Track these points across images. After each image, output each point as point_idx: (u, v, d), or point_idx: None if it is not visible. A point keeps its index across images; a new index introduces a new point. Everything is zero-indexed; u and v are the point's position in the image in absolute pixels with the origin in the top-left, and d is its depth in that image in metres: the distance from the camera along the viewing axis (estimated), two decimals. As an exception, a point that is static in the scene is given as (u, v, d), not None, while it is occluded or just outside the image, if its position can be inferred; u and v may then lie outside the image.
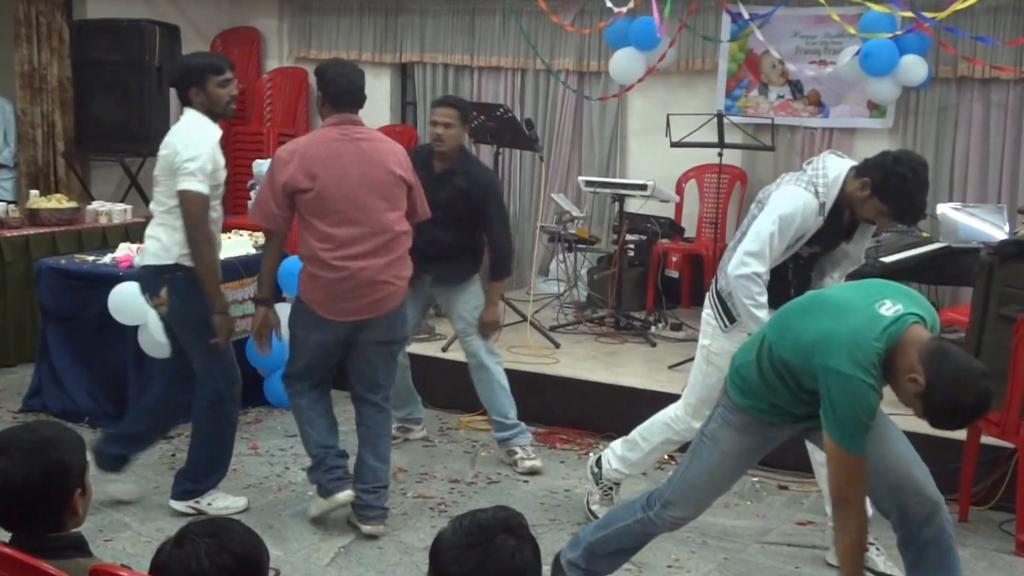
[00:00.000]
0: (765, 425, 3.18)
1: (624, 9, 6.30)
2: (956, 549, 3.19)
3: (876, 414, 2.91)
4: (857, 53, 6.06)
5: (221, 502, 4.24)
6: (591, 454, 4.49)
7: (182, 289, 4.03)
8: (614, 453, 4.21)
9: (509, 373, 5.46)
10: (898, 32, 5.83)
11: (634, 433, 4.16)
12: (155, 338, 4.58)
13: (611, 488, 4.24)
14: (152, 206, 4.13)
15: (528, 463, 4.81)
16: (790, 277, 3.80)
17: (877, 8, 5.73)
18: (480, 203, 4.72)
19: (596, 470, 4.27)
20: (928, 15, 5.67)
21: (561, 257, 6.85)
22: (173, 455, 4.90)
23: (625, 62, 6.55)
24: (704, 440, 3.24)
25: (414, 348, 5.81)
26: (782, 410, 3.12)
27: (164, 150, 4.02)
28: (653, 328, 6.31)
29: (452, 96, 5.61)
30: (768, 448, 3.33)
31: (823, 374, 2.84)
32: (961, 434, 4.42)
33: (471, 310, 4.82)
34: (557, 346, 5.94)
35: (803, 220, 3.63)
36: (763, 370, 3.08)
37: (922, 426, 4.75)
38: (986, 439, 4.34)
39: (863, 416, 2.85)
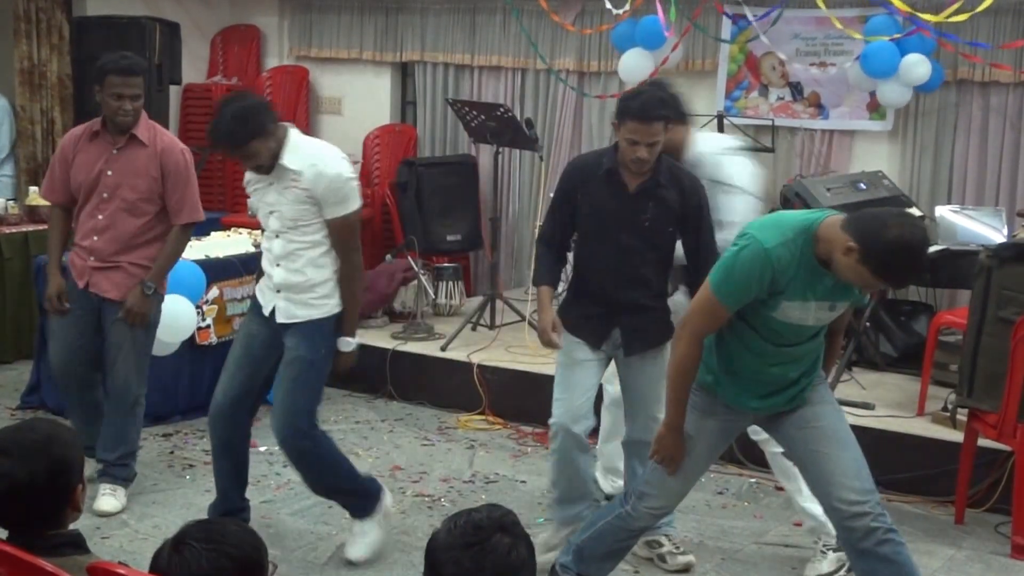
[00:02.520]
0: (725, 407, 3.20)
1: (623, 11, 6.30)
2: (904, 555, 3.11)
3: (756, 287, 2.95)
4: (857, 58, 6.06)
5: None
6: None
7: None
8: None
9: (507, 372, 5.47)
10: (897, 36, 5.83)
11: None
12: (160, 338, 4.58)
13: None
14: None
15: (681, 559, 3.96)
16: None
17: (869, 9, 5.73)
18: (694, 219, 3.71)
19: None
20: (927, 18, 5.67)
21: (560, 257, 6.85)
22: (171, 452, 4.90)
23: (634, 62, 6.55)
24: None
25: (412, 347, 5.83)
26: (743, 386, 3.14)
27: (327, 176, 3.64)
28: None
29: (653, 101, 3.59)
30: (732, 434, 3.41)
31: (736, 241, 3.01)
32: (958, 437, 4.43)
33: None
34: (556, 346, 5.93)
35: None
36: (722, 334, 3.11)
37: (919, 429, 4.78)
38: (983, 441, 4.35)
39: (745, 275, 2.94)
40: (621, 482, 4.10)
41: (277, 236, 3.72)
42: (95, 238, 4.18)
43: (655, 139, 3.54)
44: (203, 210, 4.40)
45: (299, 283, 3.72)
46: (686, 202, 3.67)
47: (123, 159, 4.17)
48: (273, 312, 3.76)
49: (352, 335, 3.80)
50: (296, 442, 3.79)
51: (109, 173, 4.17)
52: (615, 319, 3.72)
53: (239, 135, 3.56)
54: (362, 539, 3.88)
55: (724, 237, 3.65)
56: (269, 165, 3.64)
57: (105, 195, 4.17)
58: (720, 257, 3.12)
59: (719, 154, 4.04)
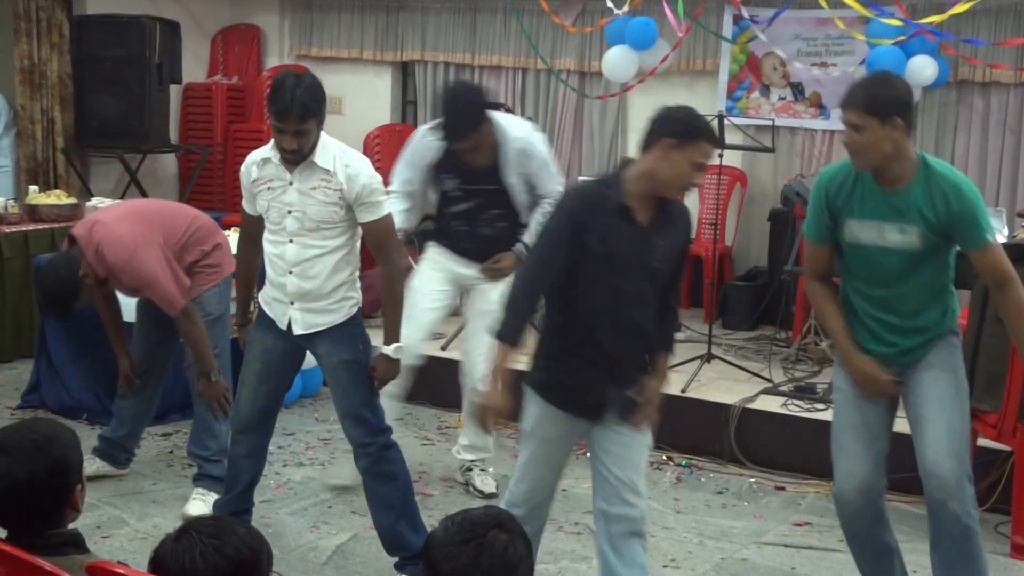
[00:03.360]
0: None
1: (624, 9, 6.30)
2: (975, 548, 3.16)
3: (821, 210, 3.20)
4: (863, 62, 6.05)
5: None
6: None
7: None
8: None
9: (508, 372, 5.44)
10: (901, 39, 5.82)
11: None
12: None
13: None
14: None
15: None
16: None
17: (865, 12, 5.72)
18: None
19: None
20: (926, 21, 5.67)
21: (560, 256, 6.85)
22: (171, 452, 4.90)
23: (618, 59, 6.53)
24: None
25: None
26: (859, 330, 3.25)
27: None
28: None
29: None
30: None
31: None
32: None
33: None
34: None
35: None
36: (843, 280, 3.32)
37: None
38: (983, 441, 4.35)
39: (812, 201, 3.25)
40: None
41: (291, 241, 3.56)
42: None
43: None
44: (202, 213, 4.42)
45: (313, 291, 3.59)
46: (685, 238, 3.19)
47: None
48: (290, 324, 3.66)
49: (397, 341, 3.63)
50: (372, 440, 3.67)
51: None
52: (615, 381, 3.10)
53: (311, 108, 3.43)
54: None
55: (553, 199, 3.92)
56: (306, 156, 3.49)
57: None
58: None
59: (533, 134, 4.36)
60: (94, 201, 6.51)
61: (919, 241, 3.08)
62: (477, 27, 7.61)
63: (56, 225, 6.14)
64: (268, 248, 3.67)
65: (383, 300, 3.66)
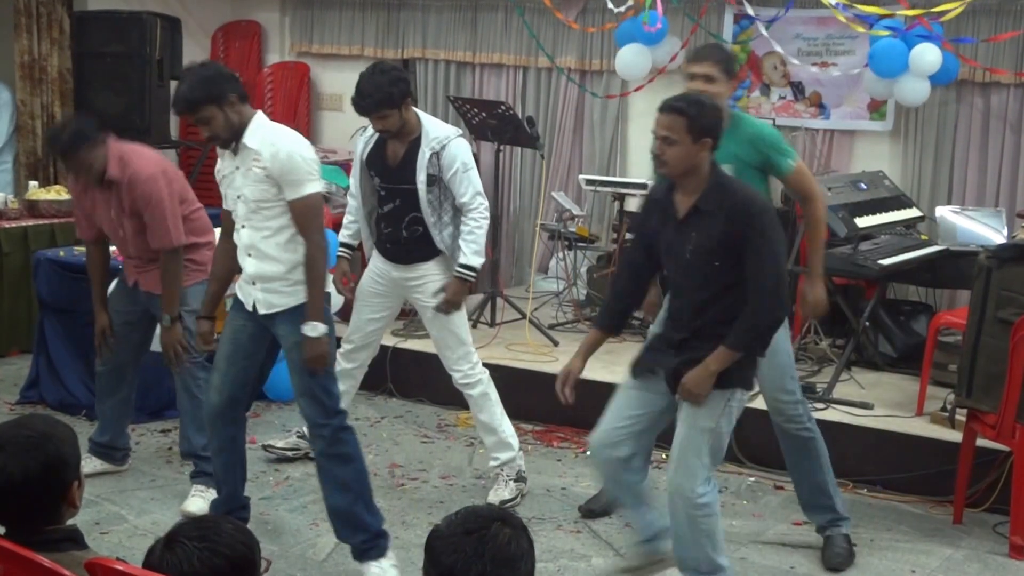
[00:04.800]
0: None
1: (624, 9, 6.29)
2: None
3: None
4: (867, 64, 6.04)
5: None
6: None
7: None
8: None
9: (507, 370, 5.46)
10: (897, 34, 5.82)
11: None
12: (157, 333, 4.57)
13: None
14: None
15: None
16: None
17: (868, 9, 5.72)
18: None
19: None
20: (936, 10, 5.65)
21: (561, 255, 6.85)
22: (170, 448, 4.90)
23: (632, 58, 6.52)
24: None
25: (412, 344, 5.82)
26: None
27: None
28: (652, 327, 6.29)
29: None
30: None
31: None
32: (957, 437, 4.43)
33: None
34: (556, 344, 5.94)
35: None
36: None
37: (918, 429, 4.78)
38: (982, 441, 4.35)
39: None
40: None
41: (244, 226, 3.71)
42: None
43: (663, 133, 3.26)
44: (204, 207, 4.45)
45: (270, 272, 3.69)
46: (728, 229, 3.24)
47: (104, 201, 4.27)
48: (255, 305, 3.76)
49: (318, 320, 3.64)
50: (327, 421, 3.72)
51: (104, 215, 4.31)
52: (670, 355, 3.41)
53: (195, 97, 3.58)
54: None
55: (481, 206, 4.23)
56: (227, 139, 3.63)
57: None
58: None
59: (454, 139, 4.31)
60: (94, 197, 6.52)
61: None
62: (478, 25, 7.60)
63: (55, 221, 6.14)
64: (235, 235, 3.83)
65: (305, 279, 3.68)
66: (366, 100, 4.14)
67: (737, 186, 3.31)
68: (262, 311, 3.76)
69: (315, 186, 3.66)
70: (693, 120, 3.20)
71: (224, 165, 3.75)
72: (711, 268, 3.26)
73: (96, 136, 4.15)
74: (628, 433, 3.47)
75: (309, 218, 3.64)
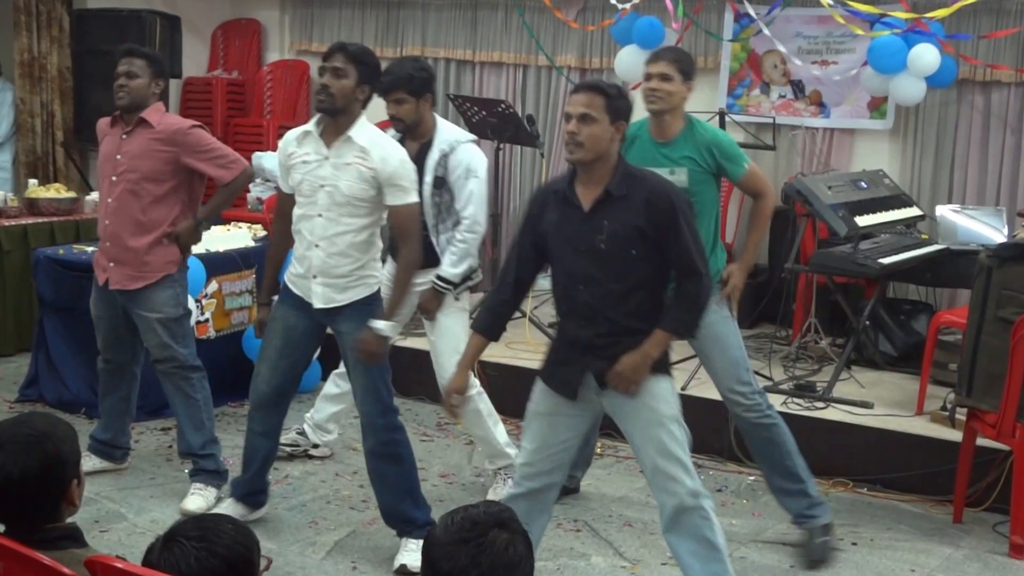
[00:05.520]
0: None
1: (627, 6, 6.29)
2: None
3: None
4: (866, 63, 6.03)
5: None
6: None
7: None
8: None
9: (507, 370, 5.46)
10: (898, 32, 5.81)
11: None
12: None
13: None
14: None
15: None
16: None
17: (864, 8, 5.71)
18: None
19: None
20: (930, 16, 5.66)
21: (560, 254, 6.84)
22: (170, 447, 4.90)
23: (631, 60, 6.53)
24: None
25: (412, 342, 5.82)
26: None
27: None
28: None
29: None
30: None
31: None
32: (957, 436, 4.43)
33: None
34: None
35: None
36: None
37: (918, 428, 4.78)
38: (982, 441, 4.35)
39: None
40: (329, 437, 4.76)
41: (320, 215, 3.67)
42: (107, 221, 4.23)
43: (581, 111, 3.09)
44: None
45: (336, 267, 3.69)
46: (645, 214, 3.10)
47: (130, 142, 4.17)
48: (312, 300, 3.76)
49: (390, 319, 3.71)
50: (384, 419, 3.76)
51: (119, 157, 4.17)
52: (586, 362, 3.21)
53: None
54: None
55: (474, 220, 4.16)
56: (332, 105, 3.62)
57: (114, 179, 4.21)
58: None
59: (465, 144, 4.25)
60: (94, 195, 6.51)
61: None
62: (478, 23, 7.60)
63: (55, 219, 6.13)
64: (296, 223, 3.77)
65: (393, 280, 3.81)
66: (387, 76, 4.11)
67: (647, 173, 3.20)
68: (320, 304, 3.74)
69: (416, 196, 3.75)
70: (612, 100, 3.07)
71: (305, 148, 3.70)
72: (628, 256, 3.09)
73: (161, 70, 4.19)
74: (556, 464, 3.28)
75: (410, 225, 3.72)
